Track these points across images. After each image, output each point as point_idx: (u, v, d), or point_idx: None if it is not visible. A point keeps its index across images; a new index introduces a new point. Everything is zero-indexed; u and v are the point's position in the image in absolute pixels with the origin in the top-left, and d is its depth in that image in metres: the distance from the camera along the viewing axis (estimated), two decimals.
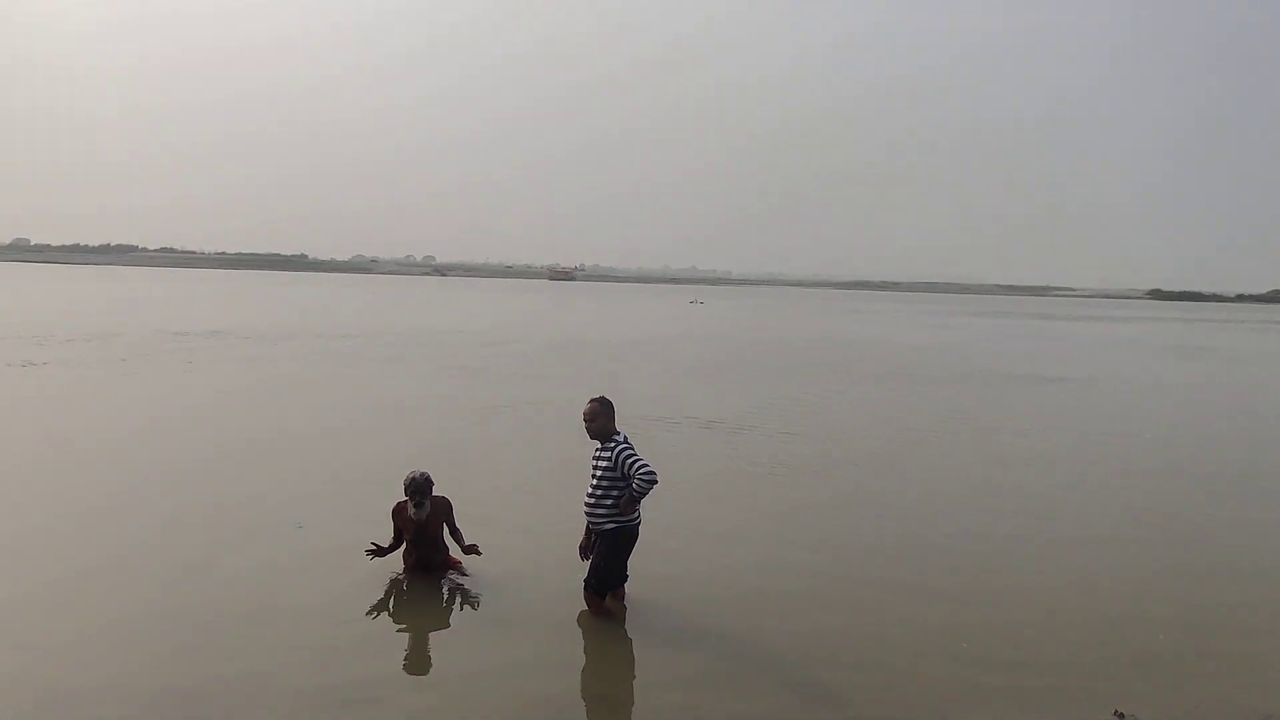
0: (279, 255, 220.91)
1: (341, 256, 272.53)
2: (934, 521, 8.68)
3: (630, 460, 5.72)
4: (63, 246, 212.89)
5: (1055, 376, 23.13)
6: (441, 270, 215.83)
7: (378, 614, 6.05)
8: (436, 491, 6.53)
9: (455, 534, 6.62)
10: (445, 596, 6.36)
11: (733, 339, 34.77)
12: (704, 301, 79.00)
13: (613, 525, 5.84)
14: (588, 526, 6.04)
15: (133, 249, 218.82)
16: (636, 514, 5.91)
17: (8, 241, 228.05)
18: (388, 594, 6.33)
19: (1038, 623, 6.13)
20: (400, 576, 6.53)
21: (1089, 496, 9.87)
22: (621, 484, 5.78)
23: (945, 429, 14.29)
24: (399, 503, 6.52)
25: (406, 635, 5.81)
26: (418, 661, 5.50)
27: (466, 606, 6.24)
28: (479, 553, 6.54)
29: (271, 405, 14.97)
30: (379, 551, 6.50)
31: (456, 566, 6.63)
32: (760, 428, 13.63)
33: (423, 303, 60.08)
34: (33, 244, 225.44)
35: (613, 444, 5.83)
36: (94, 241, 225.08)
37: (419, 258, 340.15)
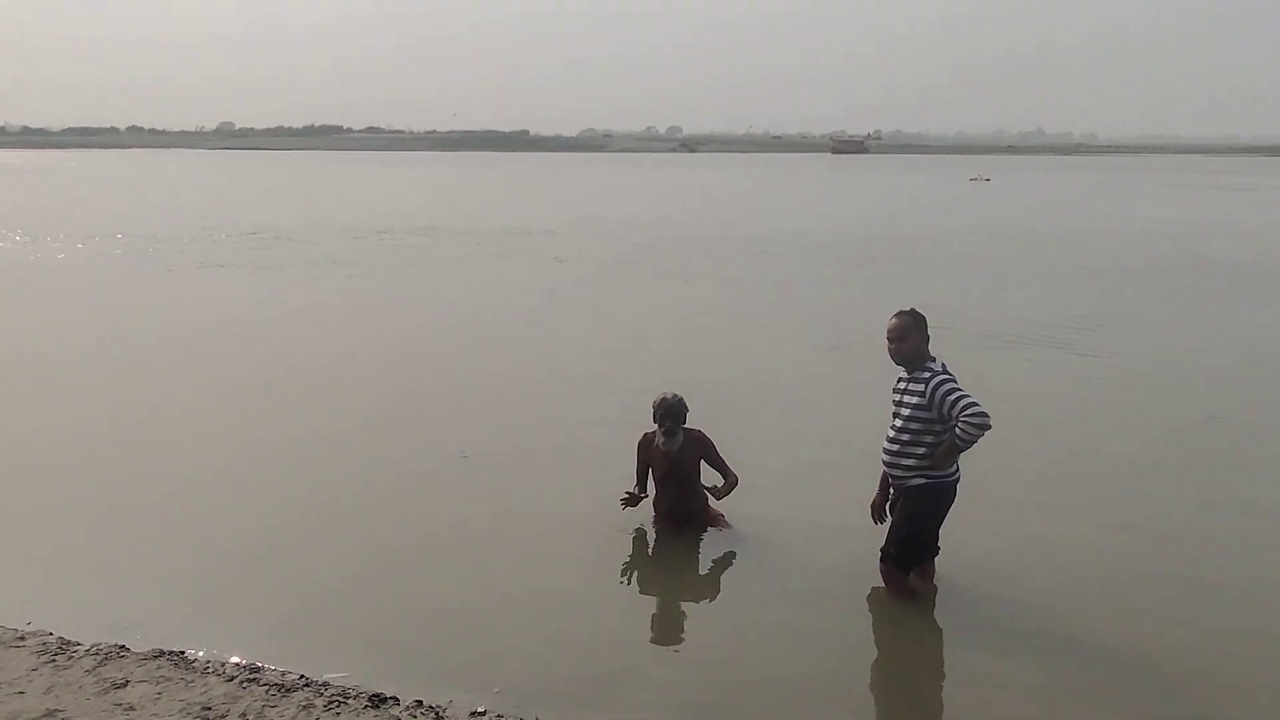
0: (496, 132, 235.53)
1: (568, 131, 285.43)
2: None
3: (955, 396, 5.43)
4: (266, 130, 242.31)
5: None
6: (690, 144, 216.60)
7: (625, 572, 6.36)
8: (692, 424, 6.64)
9: (721, 468, 6.66)
10: (702, 554, 6.55)
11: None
12: (990, 178, 73.09)
13: (922, 480, 5.64)
14: (885, 479, 5.90)
15: (337, 129, 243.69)
16: (955, 467, 5.66)
17: (213, 128, 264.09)
18: (636, 547, 6.63)
19: None
20: (649, 527, 6.78)
21: None
22: (937, 427, 5.54)
23: None
24: (645, 434, 6.72)
25: (655, 599, 6.07)
26: (669, 633, 5.73)
27: (729, 570, 6.40)
28: (722, 492, 6.64)
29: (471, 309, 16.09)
30: (632, 499, 6.70)
31: (717, 519, 6.76)
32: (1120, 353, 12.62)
33: (667, 188, 61.31)
34: (236, 128, 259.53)
35: (927, 374, 5.56)
36: (297, 124, 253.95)
37: (662, 129, 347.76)
